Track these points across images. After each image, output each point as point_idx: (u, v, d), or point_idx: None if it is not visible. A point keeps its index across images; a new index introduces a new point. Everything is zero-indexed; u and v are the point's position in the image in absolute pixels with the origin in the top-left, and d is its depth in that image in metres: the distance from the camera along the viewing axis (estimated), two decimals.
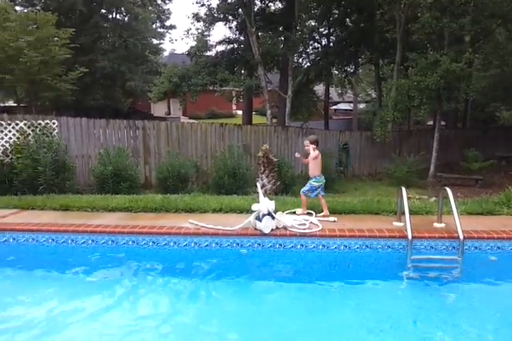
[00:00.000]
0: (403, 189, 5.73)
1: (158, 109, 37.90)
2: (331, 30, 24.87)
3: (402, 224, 5.93)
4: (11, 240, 5.93)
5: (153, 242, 5.80)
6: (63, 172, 9.41)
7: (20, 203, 7.08)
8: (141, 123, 12.44)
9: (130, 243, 5.83)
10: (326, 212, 6.48)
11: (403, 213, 5.65)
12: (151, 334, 4.16)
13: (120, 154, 9.95)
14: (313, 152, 6.53)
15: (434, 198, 8.91)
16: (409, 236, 5.32)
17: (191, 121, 24.54)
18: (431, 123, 26.24)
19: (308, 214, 6.47)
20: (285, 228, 5.87)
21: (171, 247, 5.78)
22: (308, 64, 25.96)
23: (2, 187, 9.31)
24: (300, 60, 26.21)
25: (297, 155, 6.92)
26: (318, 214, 6.47)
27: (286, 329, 4.19)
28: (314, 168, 6.59)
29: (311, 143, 6.62)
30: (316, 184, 6.57)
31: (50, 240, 5.89)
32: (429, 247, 5.56)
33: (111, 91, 25.89)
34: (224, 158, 11.29)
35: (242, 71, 24.30)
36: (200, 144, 13.04)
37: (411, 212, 5.62)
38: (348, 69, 26.70)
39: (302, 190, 6.65)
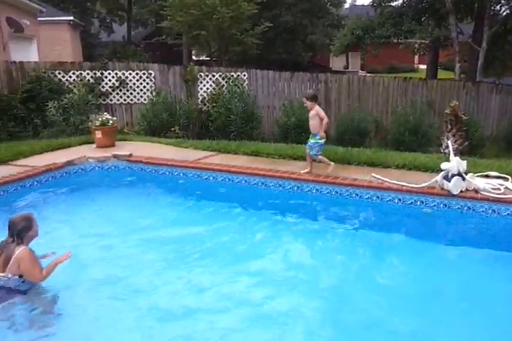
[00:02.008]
0: None
1: (337, 63, 37.48)
2: None
3: None
4: (211, 178, 6.75)
5: (336, 192, 6.03)
6: (251, 121, 10.17)
7: (218, 147, 7.94)
8: (324, 77, 12.53)
9: (314, 191, 6.16)
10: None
11: None
12: (327, 277, 4.37)
13: (303, 106, 10.26)
14: (311, 111, 6.31)
15: None
16: None
17: (369, 75, 23.77)
18: None
19: (504, 179, 5.96)
20: (476, 191, 5.54)
21: (353, 198, 5.93)
22: (508, 11, 22.59)
23: (200, 132, 10.51)
24: (498, 7, 22.95)
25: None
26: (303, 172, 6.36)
27: (469, 298, 4.04)
28: (316, 124, 6.26)
29: (308, 99, 6.30)
30: (322, 140, 6.32)
31: (243, 181, 6.54)
32: None
33: (292, 45, 26.35)
34: (406, 113, 10.85)
35: (430, 21, 22.40)
36: (381, 99, 12.66)
37: None
38: None
39: (313, 153, 6.36)
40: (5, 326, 3.31)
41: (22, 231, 3.55)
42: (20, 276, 3.43)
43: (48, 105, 9.75)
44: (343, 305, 3.89)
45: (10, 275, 3.40)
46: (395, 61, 36.29)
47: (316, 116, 6.26)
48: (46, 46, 19.45)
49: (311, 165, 6.45)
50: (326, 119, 6.19)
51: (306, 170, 6.42)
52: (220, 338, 3.42)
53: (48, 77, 10.62)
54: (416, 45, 24.60)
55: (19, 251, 3.46)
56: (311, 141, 6.39)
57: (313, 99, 6.35)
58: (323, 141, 6.34)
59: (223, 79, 11.49)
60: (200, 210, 5.96)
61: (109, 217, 5.63)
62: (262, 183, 6.41)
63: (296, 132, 9.86)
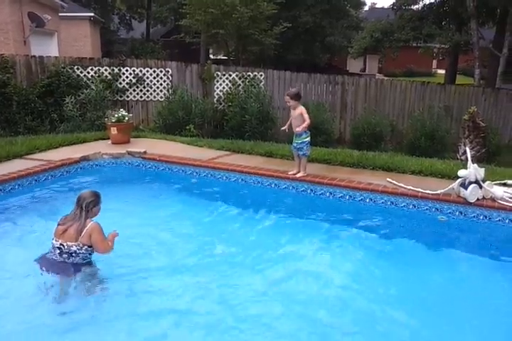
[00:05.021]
0: None
1: (354, 66, 37.34)
2: None
3: None
4: (224, 178, 6.73)
5: (350, 196, 5.97)
6: (266, 121, 10.13)
7: (232, 146, 7.91)
8: (341, 79, 12.43)
9: (327, 194, 6.10)
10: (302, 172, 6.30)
11: None
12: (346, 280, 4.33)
13: (319, 108, 10.21)
14: (294, 111, 6.13)
15: None
16: None
17: (386, 78, 23.61)
18: None
19: None
20: (493, 199, 5.44)
21: (367, 203, 5.87)
22: None
23: (215, 131, 10.50)
24: None
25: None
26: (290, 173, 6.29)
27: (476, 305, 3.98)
28: (300, 123, 6.09)
29: (292, 98, 6.06)
30: (309, 139, 6.24)
31: (256, 182, 6.51)
32: None
33: (310, 46, 26.19)
34: (422, 118, 10.74)
35: (451, 26, 22.21)
36: (398, 103, 12.53)
37: None
38: None
39: (304, 153, 6.23)
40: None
41: (89, 205, 3.80)
42: (90, 247, 3.75)
43: (65, 100, 9.83)
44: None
45: (81, 245, 3.71)
46: (413, 65, 36.09)
47: (300, 115, 6.08)
48: (66, 41, 19.65)
49: (300, 165, 6.38)
50: (307, 121, 6.05)
51: (294, 172, 6.35)
52: None
53: (66, 72, 10.70)
54: (435, 50, 24.39)
55: (90, 224, 3.76)
56: (297, 141, 6.24)
57: (297, 97, 6.14)
58: (308, 138, 6.26)
59: (240, 78, 11.46)
60: (209, 208, 5.90)
61: (121, 213, 5.63)
62: (275, 184, 6.38)
63: (311, 134, 9.76)
